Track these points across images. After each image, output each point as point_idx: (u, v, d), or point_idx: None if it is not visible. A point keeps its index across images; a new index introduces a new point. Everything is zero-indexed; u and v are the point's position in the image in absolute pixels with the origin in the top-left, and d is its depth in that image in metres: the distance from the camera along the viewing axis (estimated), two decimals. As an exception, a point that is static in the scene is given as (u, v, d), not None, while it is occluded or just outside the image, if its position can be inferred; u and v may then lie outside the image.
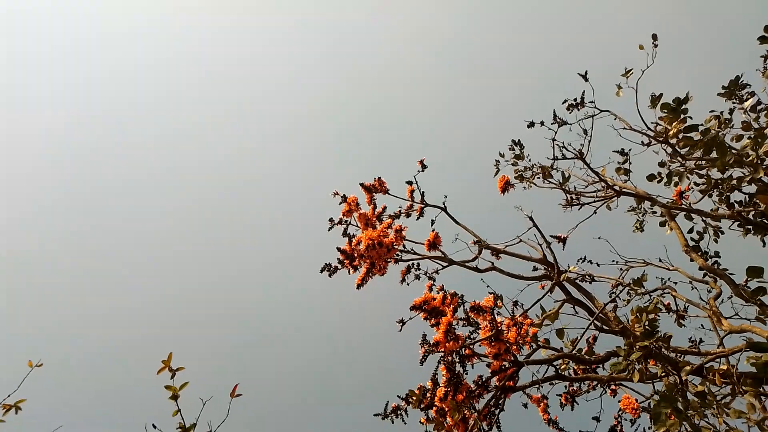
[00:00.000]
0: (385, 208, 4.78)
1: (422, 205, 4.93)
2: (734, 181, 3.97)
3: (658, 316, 5.01)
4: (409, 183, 4.88)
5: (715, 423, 3.01)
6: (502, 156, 5.31)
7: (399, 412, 3.47)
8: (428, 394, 3.08)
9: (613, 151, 5.03)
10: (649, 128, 4.46)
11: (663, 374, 3.86)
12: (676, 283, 5.29)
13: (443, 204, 5.00)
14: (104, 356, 13.66)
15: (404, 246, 4.71)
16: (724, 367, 3.68)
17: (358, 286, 4.37)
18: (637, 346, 3.41)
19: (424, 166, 4.84)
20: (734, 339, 4.43)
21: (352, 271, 4.39)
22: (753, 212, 4.02)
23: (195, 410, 2.55)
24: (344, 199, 4.68)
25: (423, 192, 4.93)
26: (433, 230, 4.56)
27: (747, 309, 4.77)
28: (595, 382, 5.08)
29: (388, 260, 4.50)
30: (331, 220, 4.76)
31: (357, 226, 4.77)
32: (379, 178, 4.85)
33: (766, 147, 3.64)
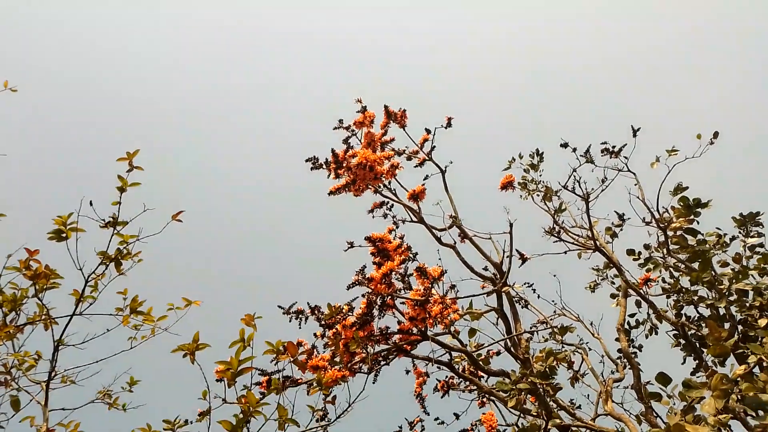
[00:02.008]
0: (393, 140, 4.74)
1: (426, 158, 4.92)
2: (696, 297, 4.09)
3: (561, 365, 5.25)
4: (428, 131, 4.83)
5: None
6: (521, 157, 5.29)
7: (300, 317, 3.60)
8: (339, 316, 3.19)
9: (615, 211, 5.08)
10: (657, 210, 4.51)
11: (534, 414, 4.10)
12: (590, 348, 5.51)
13: (444, 167, 5.00)
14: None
15: (390, 182, 4.73)
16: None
17: (331, 193, 4.40)
18: (530, 380, 3.58)
19: (449, 124, 4.79)
20: (607, 422, 4.70)
21: (333, 176, 4.40)
22: (693, 332, 4.19)
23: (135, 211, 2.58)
24: (364, 109, 4.61)
25: (434, 146, 4.91)
26: (423, 185, 4.58)
27: (636, 405, 5.04)
28: (474, 387, 5.34)
29: (369, 186, 4.52)
30: (341, 121, 4.70)
31: (360, 141, 4.72)
32: (404, 111, 4.79)
33: (740, 285, 3.74)
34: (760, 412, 2.49)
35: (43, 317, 2.70)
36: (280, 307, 3.64)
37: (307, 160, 4.41)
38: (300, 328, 3.62)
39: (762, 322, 3.57)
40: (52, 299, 2.71)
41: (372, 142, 4.56)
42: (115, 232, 2.62)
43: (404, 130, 4.77)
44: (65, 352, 2.80)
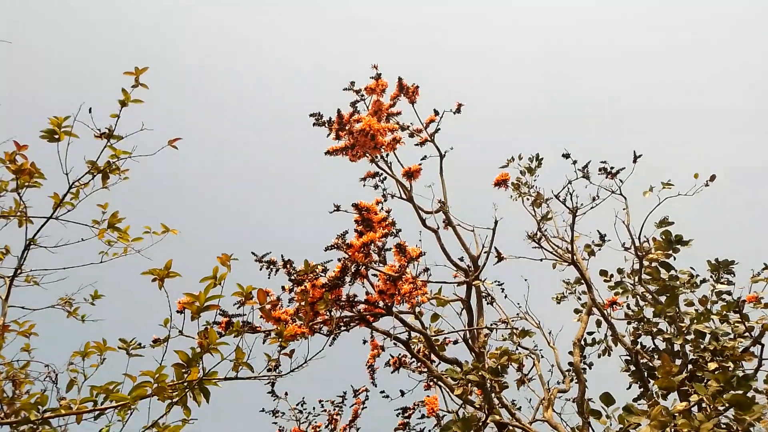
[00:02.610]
0: (399, 113, 4.71)
1: (428, 139, 4.91)
2: (655, 329, 4.21)
3: (512, 366, 5.38)
4: (436, 112, 4.81)
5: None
6: (520, 158, 5.31)
7: (271, 267, 3.62)
8: (311, 275, 3.21)
9: (598, 230, 5.15)
10: (639, 238, 4.58)
11: (476, 406, 4.22)
12: (543, 356, 5.65)
13: (444, 152, 4.99)
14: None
15: (388, 155, 4.72)
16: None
17: (328, 153, 4.38)
18: (480, 373, 3.66)
19: (458, 110, 4.77)
20: (543, 428, 4.85)
21: (333, 137, 4.37)
22: (645, 361, 4.31)
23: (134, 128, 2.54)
24: (378, 77, 4.56)
25: (439, 129, 4.89)
26: (420, 165, 4.58)
27: (574, 418, 5.19)
28: (425, 370, 5.46)
29: (367, 154, 4.50)
30: (352, 83, 4.64)
31: (367, 107, 4.68)
32: (416, 87, 4.75)
33: (700, 326, 3.85)
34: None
35: (19, 213, 2.67)
36: (253, 254, 3.65)
37: (311, 115, 4.36)
38: (269, 278, 3.64)
39: (711, 366, 3.69)
40: (30, 199, 2.68)
41: (379, 111, 4.53)
42: (109, 144, 2.58)
43: (413, 106, 4.74)
44: (34, 254, 2.79)
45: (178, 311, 3.13)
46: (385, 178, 4.68)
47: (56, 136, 2.46)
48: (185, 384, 2.10)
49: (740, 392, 2.79)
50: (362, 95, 4.60)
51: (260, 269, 3.69)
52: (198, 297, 2.16)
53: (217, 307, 2.17)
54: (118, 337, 2.74)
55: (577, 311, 5.25)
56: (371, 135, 4.16)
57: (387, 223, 3.42)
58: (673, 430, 2.71)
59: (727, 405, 2.73)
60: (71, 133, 2.49)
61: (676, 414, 2.74)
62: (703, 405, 2.94)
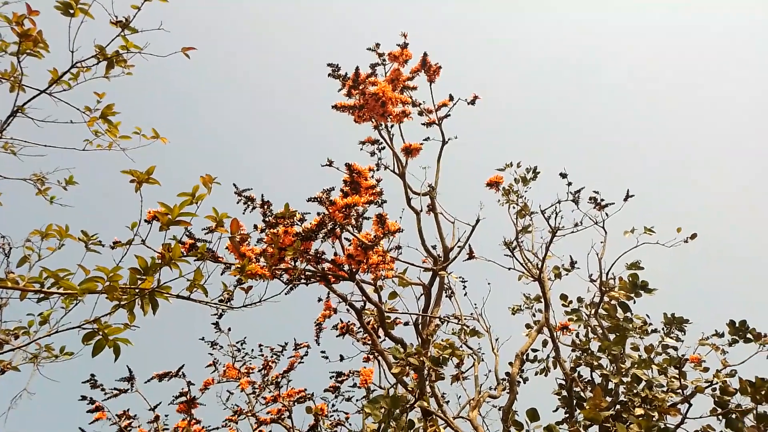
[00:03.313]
0: (416, 88, 4.66)
1: (436, 122, 4.88)
2: (596, 363, 4.31)
3: (452, 360, 5.47)
4: (450, 98, 4.77)
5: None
6: (518, 166, 5.32)
7: (249, 204, 3.60)
8: (288, 220, 3.19)
9: (570, 256, 5.23)
10: (607, 273, 4.67)
11: (409, 389, 4.30)
12: (483, 360, 5.77)
13: (447, 139, 4.97)
14: None
15: (392, 126, 4.68)
16: (432, 428, 4.17)
17: (335, 107, 4.32)
18: (422, 359, 3.73)
19: (473, 102, 4.74)
20: (465, 426, 4.97)
21: (345, 92, 4.31)
22: (579, 389, 4.43)
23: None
24: (405, 46, 4.48)
25: (449, 115, 4.86)
26: (421, 144, 4.56)
27: (496, 424, 5.33)
28: (369, 342, 5.53)
29: (373, 120, 4.46)
30: (377, 45, 4.56)
31: (386, 74, 4.61)
32: (439, 67, 4.70)
33: (639, 372, 3.96)
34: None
35: (13, 78, 2.58)
36: (234, 185, 3.62)
37: (329, 65, 4.29)
38: (243, 213, 3.62)
39: (638, 411, 3.81)
40: (29, 67, 2.58)
41: (396, 81, 4.47)
42: (122, 34, 2.49)
43: (431, 85, 4.69)
44: (18, 125, 2.71)
45: (146, 220, 3.11)
46: (384, 147, 4.66)
47: (71, 11, 2.36)
48: (137, 290, 2.09)
49: (657, 441, 2.88)
50: (384, 60, 4.54)
51: (237, 202, 3.67)
52: (171, 210, 2.14)
53: (187, 224, 2.15)
54: (80, 229, 2.71)
55: (528, 326, 5.35)
56: (382, 102, 4.11)
57: (374, 191, 3.41)
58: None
59: (641, 450, 2.82)
60: (87, 12, 2.40)
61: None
62: (620, 444, 3.03)
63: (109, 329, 2.07)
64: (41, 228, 2.47)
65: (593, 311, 4.69)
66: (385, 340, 5.09)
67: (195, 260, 2.98)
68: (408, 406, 4.04)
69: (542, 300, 5.09)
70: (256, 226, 3.59)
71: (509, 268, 5.48)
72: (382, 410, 3.40)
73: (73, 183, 3.21)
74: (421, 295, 4.88)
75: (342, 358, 5.38)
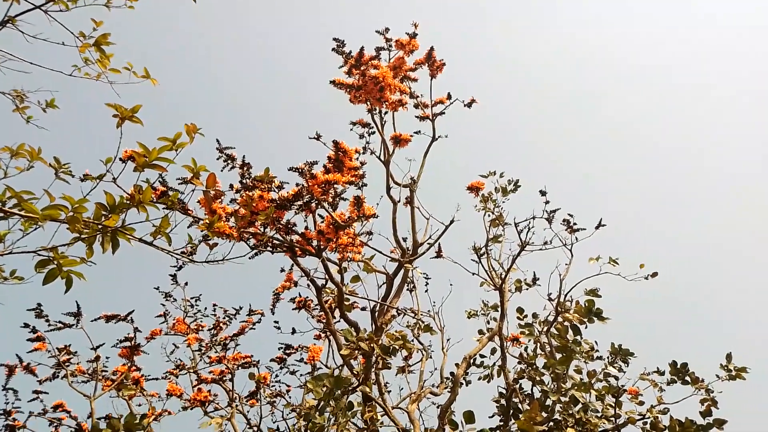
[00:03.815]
0: (416, 80, 4.66)
1: (430, 117, 4.88)
2: (538, 378, 4.42)
3: (401, 352, 5.53)
4: (449, 96, 4.78)
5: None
6: (501, 176, 5.38)
7: (228, 162, 3.56)
8: (264, 185, 3.17)
9: (534, 272, 5.32)
10: (565, 294, 4.77)
11: (355, 372, 4.34)
12: (431, 357, 5.85)
13: (437, 137, 4.98)
14: None
15: (386, 113, 4.67)
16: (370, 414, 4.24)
17: (333, 83, 4.29)
18: (372, 345, 3.76)
19: (470, 105, 4.77)
20: (402, 417, 5.04)
21: (345, 70, 4.28)
22: (517, 400, 4.54)
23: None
24: (413, 36, 4.46)
25: (443, 113, 4.87)
26: (411, 136, 4.56)
27: (432, 421, 5.42)
28: (323, 321, 5.55)
29: (367, 102, 4.44)
30: (386, 30, 4.53)
31: (389, 60, 4.59)
32: (443, 63, 4.70)
33: (578, 394, 4.07)
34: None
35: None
36: (218, 141, 3.57)
37: (335, 39, 4.24)
38: (221, 171, 3.58)
39: (569, 431, 3.93)
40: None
41: (398, 69, 4.45)
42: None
43: (431, 80, 4.69)
44: (4, 36, 2.61)
45: (121, 159, 3.04)
46: (374, 133, 4.64)
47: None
48: (100, 226, 2.06)
49: (582, 463, 2.98)
50: (390, 46, 4.51)
51: (217, 159, 3.63)
52: (149, 152, 2.10)
53: (163, 169, 2.11)
54: (53, 155, 2.64)
55: (481, 332, 5.44)
56: (381, 86, 4.09)
57: (357, 173, 3.41)
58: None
59: (566, 468, 2.91)
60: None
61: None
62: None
63: (65, 260, 2.03)
64: (12, 146, 2.40)
65: (545, 329, 4.79)
66: (339, 321, 5.11)
67: (164, 208, 2.94)
68: (350, 388, 4.07)
69: (499, 309, 5.18)
70: (231, 186, 3.55)
71: (473, 274, 5.54)
72: (325, 388, 3.43)
73: (54, 106, 3.12)
74: (383, 284, 4.91)
75: (294, 332, 5.39)
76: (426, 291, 5.96)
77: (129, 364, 4.90)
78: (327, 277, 4.11)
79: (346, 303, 4.95)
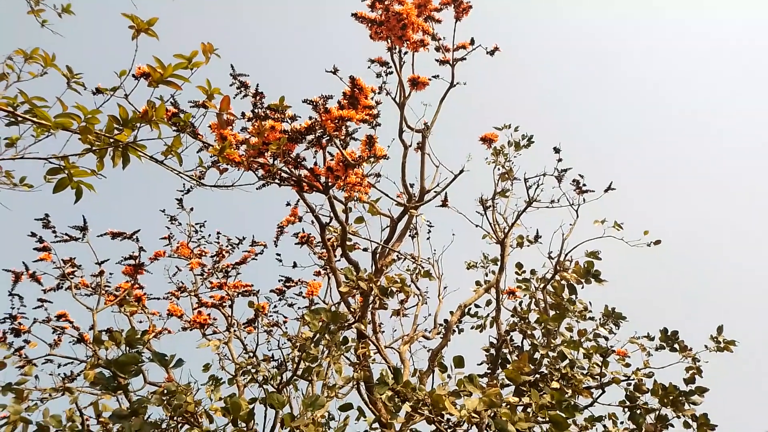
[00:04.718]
0: (440, 21, 4.50)
1: (450, 62, 4.74)
2: (530, 332, 4.51)
3: (398, 295, 5.63)
4: (472, 42, 4.63)
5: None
6: (516, 130, 5.29)
7: (241, 89, 3.50)
8: (278, 115, 3.13)
9: (537, 229, 5.34)
10: (566, 254, 4.80)
11: (351, 310, 4.43)
12: (427, 303, 5.96)
13: (455, 83, 4.87)
14: None
15: (405, 53, 4.54)
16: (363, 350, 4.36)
17: (354, 15, 4.15)
18: (371, 285, 3.82)
19: (493, 52, 4.62)
20: (393, 356, 5.19)
21: (369, 3, 4.13)
22: (507, 351, 4.65)
23: None
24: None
25: (464, 58, 4.74)
26: (429, 80, 4.46)
27: (422, 363, 5.58)
28: (325, 258, 5.62)
29: (388, 40, 4.32)
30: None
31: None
32: (470, 6, 4.53)
33: (565, 349, 4.16)
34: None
35: None
36: (232, 66, 3.50)
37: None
38: (234, 98, 3.52)
39: (554, 384, 4.04)
40: None
41: (422, 7, 4.29)
42: None
43: (456, 22, 4.53)
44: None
45: (134, 76, 2.99)
46: (391, 73, 4.53)
47: None
48: (112, 140, 2.05)
49: (563, 415, 3.08)
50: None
51: (230, 85, 3.56)
52: (165, 68, 2.06)
53: (177, 87, 2.08)
54: (66, 64, 2.59)
55: (478, 283, 5.52)
56: (404, 24, 3.95)
57: (370, 112, 3.35)
58: (494, 412, 2.99)
59: (547, 419, 3.02)
60: None
61: (505, 404, 3.01)
62: (529, 410, 3.23)
63: (76, 170, 2.03)
64: (27, 50, 2.35)
65: (542, 286, 4.85)
66: (340, 260, 5.18)
67: (175, 130, 2.92)
68: (346, 324, 4.17)
69: (498, 263, 5.22)
70: (243, 114, 3.51)
71: (477, 226, 5.56)
72: (321, 322, 3.51)
73: (70, 12, 3.04)
74: (387, 227, 4.93)
75: (295, 266, 5.47)
76: (428, 239, 6.02)
77: (132, 282, 5.01)
78: (332, 215, 4.12)
79: (349, 243, 5.00)
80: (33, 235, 4.51)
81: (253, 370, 4.12)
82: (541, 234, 5.28)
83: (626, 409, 4.22)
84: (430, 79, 4.47)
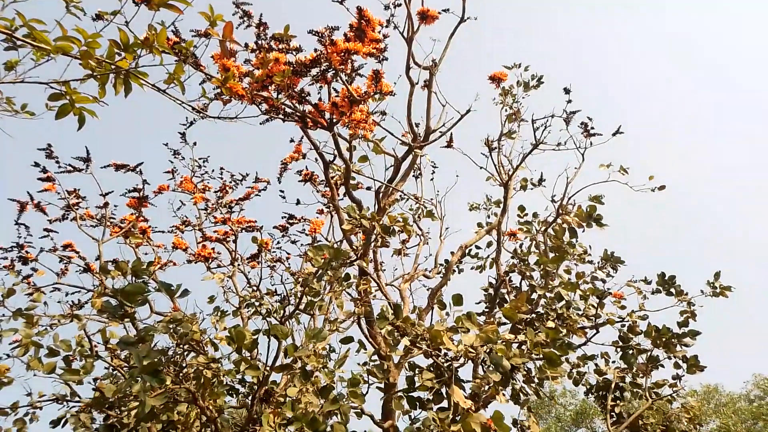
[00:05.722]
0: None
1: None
2: (528, 273, 4.59)
3: (400, 234, 5.67)
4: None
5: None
6: (526, 69, 5.16)
7: (245, 18, 3.40)
8: (282, 45, 3.04)
9: (541, 173, 5.31)
10: (569, 197, 4.81)
11: (354, 248, 4.49)
12: (428, 244, 6.02)
13: (465, 18, 4.69)
14: None
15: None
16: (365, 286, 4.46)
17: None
18: (373, 223, 3.85)
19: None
20: (393, 293, 5.31)
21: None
22: (505, 291, 4.74)
23: None
24: None
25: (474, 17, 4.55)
26: (439, 13, 4.30)
27: (421, 301, 5.70)
28: (328, 196, 5.64)
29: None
30: None
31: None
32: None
33: (563, 290, 4.24)
34: (492, 368, 3.01)
35: None
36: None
37: None
38: (236, 28, 3.42)
39: (550, 323, 4.15)
40: None
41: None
42: None
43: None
44: None
45: (135, 2, 2.89)
46: (400, 5, 4.36)
47: None
48: (113, 66, 2.00)
49: (557, 353, 3.17)
50: None
51: (233, 14, 3.45)
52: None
53: (179, 10, 2.01)
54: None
55: (480, 225, 5.55)
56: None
57: (377, 46, 3.25)
58: (490, 348, 3.08)
59: (541, 356, 3.11)
60: None
61: (501, 340, 3.09)
62: (524, 347, 3.32)
63: (78, 96, 2.00)
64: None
65: (544, 229, 4.88)
66: (343, 199, 5.19)
67: (176, 60, 2.85)
68: (348, 261, 4.23)
69: (501, 205, 5.23)
70: (246, 45, 3.42)
71: (481, 167, 5.53)
72: (324, 258, 3.56)
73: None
74: (391, 166, 4.91)
75: (298, 203, 5.49)
76: (432, 179, 5.99)
77: (137, 214, 5.04)
78: (336, 152, 4.09)
79: (352, 181, 4.99)
80: (36, 165, 4.50)
81: (257, 303, 4.21)
82: (546, 177, 5.26)
83: (619, 349, 4.35)
84: (440, 13, 4.30)
